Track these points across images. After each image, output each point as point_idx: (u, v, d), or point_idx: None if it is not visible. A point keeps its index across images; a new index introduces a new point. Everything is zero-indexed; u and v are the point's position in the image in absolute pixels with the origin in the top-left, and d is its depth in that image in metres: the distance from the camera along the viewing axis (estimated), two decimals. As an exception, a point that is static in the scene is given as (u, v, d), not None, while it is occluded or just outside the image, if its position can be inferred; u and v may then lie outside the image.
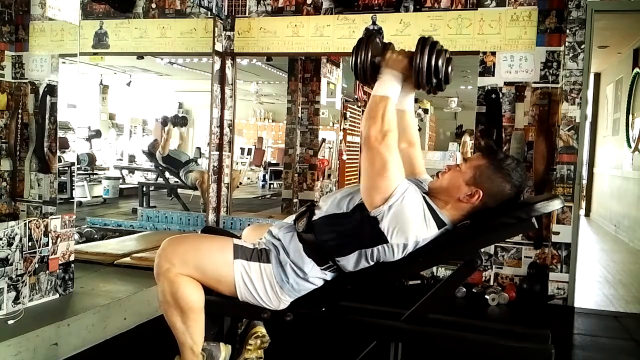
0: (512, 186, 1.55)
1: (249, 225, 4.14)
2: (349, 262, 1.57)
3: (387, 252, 1.51)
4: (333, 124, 6.81)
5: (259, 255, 1.62)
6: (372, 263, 1.55)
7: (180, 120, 6.32)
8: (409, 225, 1.48)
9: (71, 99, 2.89)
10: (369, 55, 1.61)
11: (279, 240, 1.65)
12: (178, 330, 1.59)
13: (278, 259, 1.61)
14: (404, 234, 1.48)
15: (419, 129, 10.03)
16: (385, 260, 1.54)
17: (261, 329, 1.83)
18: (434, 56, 1.54)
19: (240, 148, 9.54)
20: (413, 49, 1.59)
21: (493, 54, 3.55)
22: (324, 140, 6.31)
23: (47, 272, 2.45)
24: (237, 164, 8.16)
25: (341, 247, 1.56)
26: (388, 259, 1.53)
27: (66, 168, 3.77)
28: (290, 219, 1.72)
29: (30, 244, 2.35)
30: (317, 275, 1.59)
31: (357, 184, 1.69)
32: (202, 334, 1.61)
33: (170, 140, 6.01)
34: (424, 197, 1.55)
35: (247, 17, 4.07)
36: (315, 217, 1.62)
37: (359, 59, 1.62)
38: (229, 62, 4.20)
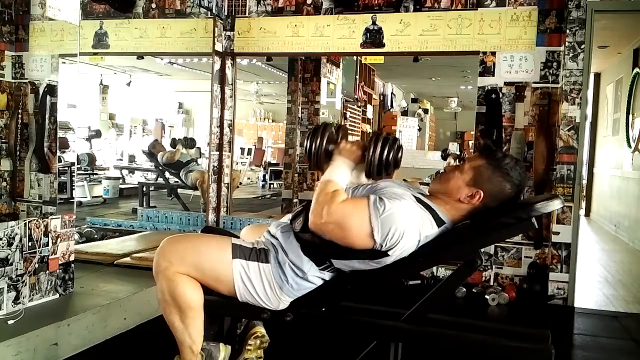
0: (512, 185, 1.55)
1: (248, 225, 4.18)
2: (346, 266, 1.57)
3: (388, 261, 1.52)
4: (333, 124, 6.80)
5: (258, 255, 1.62)
6: (369, 268, 1.55)
7: (190, 143, 6.41)
8: (407, 239, 1.47)
9: (71, 99, 2.90)
10: (324, 143, 1.70)
11: (277, 239, 1.65)
12: (177, 329, 1.59)
13: (277, 258, 1.61)
14: (404, 248, 1.48)
15: (419, 129, 10.10)
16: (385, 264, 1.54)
17: (261, 329, 1.83)
18: (386, 151, 1.62)
19: (240, 148, 9.54)
20: (356, 141, 1.71)
21: (493, 54, 3.55)
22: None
23: (47, 272, 2.45)
24: (237, 164, 8.17)
25: (339, 253, 1.55)
26: (388, 262, 1.53)
27: (66, 168, 3.78)
28: (287, 217, 1.72)
29: (30, 244, 2.35)
30: (316, 275, 1.59)
31: (357, 185, 1.70)
32: (201, 333, 1.61)
33: (177, 155, 6.05)
34: (419, 198, 1.55)
35: (247, 17, 4.07)
36: None
37: (313, 146, 1.70)
38: (229, 62, 4.20)
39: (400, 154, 1.65)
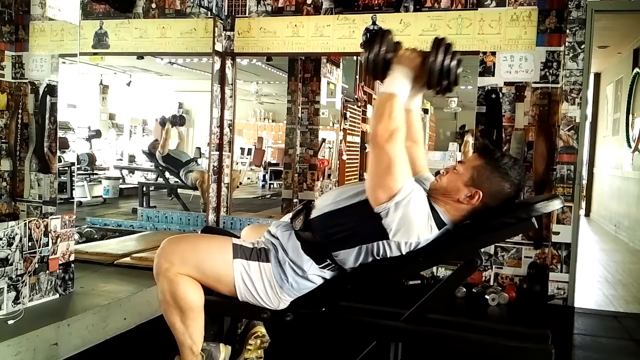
0: (511, 184, 1.55)
1: (249, 225, 4.18)
2: (348, 257, 1.56)
3: (387, 249, 1.51)
4: (333, 124, 6.81)
5: (258, 254, 1.63)
6: (370, 259, 1.55)
7: (179, 120, 6.32)
8: (414, 226, 1.48)
9: (71, 99, 2.89)
10: (383, 49, 1.59)
11: (277, 239, 1.65)
12: (177, 330, 1.59)
13: (277, 258, 1.61)
14: (407, 234, 1.48)
15: (419, 129, 10.10)
16: (385, 256, 1.53)
17: (261, 329, 1.83)
18: (450, 57, 1.53)
19: (240, 148, 9.53)
20: (414, 49, 1.62)
21: (493, 54, 3.55)
22: (324, 140, 6.30)
23: (47, 272, 2.45)
24: (237, 164, 8.16)
25: (342, 241, 1.55)
26: (388, 254, 1.53)
27: (66, 168, 3.77)
28: (288, 217, 1.72)
29: (30, 244, 2.35)
30: (316, 273, 1.59)
31: (358, 181, 1.70)
32: (202, 333, 1.61)
33: (170, 140, 6.01)
34: (427, 197, 1.55)
35: (247, 17, 4.07)
36: (312, 215, 1.62)
37: (372, 53, 1.58)
38: (229, 62, 4.20)
39: (460, 66, 1.57)
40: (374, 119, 1.49)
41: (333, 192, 1.71)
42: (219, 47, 4.11)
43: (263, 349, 1.86)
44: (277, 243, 1.64)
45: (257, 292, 1.60)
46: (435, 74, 1.52)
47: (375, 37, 1.62)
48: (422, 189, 1.54)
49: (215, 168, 4.22)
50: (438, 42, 1.55)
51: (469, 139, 8.23)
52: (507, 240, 3.43)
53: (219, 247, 1.64)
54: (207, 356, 1.64)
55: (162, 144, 5.89)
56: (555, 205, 1.54)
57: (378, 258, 1.54)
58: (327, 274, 1.61)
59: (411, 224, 1.47)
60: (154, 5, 4.28)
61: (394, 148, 1.45)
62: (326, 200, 1.65)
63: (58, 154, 2.73)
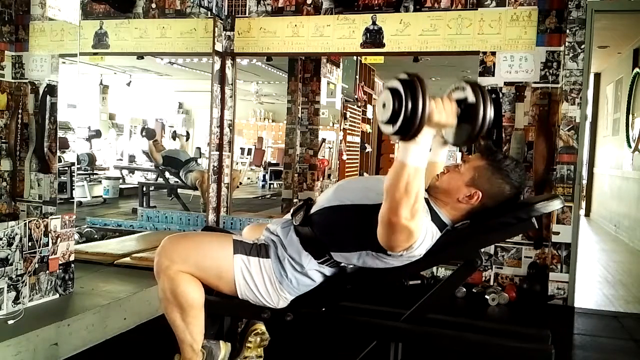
0: (512, 187, 1.55)
1: (249, 224, 4.18)
2: (347, 258, 1.57)
3: (388, 260, 1.51)
4: (333, 124, 6.81)
5: (258, 250, 1.63)
6: (369, 263, 1.55)
7: (149, 133, 6.41)
8: (421, 245, 1.47)
9: (71, 99, 2.89)
10: (426, 104, 1.22)
11: (277, 235, 1.65)
12: (178, 327, 1.60)
13: (277, 254, 1.62)
14: (412, 253, 1.47)
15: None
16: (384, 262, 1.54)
17: (261, 326, 1.83)
18: (491, 106, 1.33)
19: (240, 148, 9.53)
20: (449, 96, 1.38)
21: (493, 54, 3.55)
22: (324, 140, 6.31)
23: (47, 272, 2.45)
24: (237, 164, 8.16)
25: (342, 244, 1.55)
26: (388, 265, 1.53)
27: (66, 168, 3.77)
28: (288, 216, 1.72)
29: (30, 244, 2.35)
30: (315, 269, 1.59)
31: (360, 177, 1.69)
32: (202, 331, 1.62)
33: (157, 154, 6.10)
34: (426, 199, 1.55)
35: (247, 17, 4.07)
36: (312, 210, 1.62)
37: (417, 109, 1.21)
38: (229, 62, 4.20)
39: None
40: (395, 195, 1.31)
41: (333, 185, 1.70)
42: (219, 47, 4.11)
43: (263, 347, 1.86)
44: (277, 239, 1.64)
45: (257, 288, 1.60)
46: (484, 128, 1.33)
47: (413, 82, 1.23)
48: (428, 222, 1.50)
49: (215, 168, 4.22)
50: (481, 89, 1.35)
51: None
52: (507, 240, 3.43)
53: (219, 244, 1.64)
54: (208, 353, 1.65)
55: (154, 157, 5.98)
56: (555, 205, 1.54)
57: (376, 262, 1.54)
58: (327, 270, 1.61)
59: (417, 247, 1.46)
60: (154, 5, 4.28)
61: (416, 222, 1.36)
62: (326, 194, 1.65)
63: (58, 154, 2.73)
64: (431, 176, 1.58)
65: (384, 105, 1.26)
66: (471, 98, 1.34)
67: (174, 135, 7.24)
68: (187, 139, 6.50)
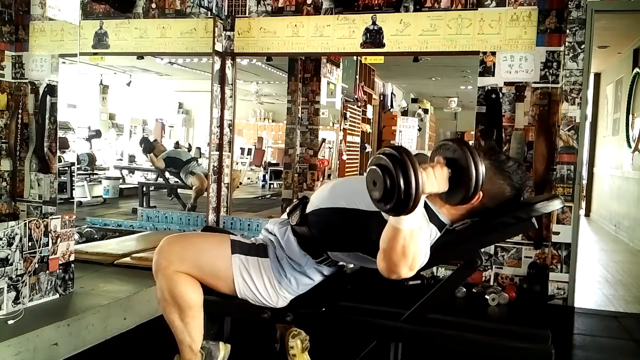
0: (512, 188, 1.54)
1: (248, 225, 4.19)
2: (344, 258, 1.58)
3: None
4: (333, 124, 6.81)
5: (257, 250, 1.63)
6: (364, 264, 1.55)
7: (147, 146, 6.42)
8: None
9: (71, 99, 2.89)
10: (419, 179, 1.19)
11: (274, 235, 1.66)
12: (177, 328, 1.59)
13: (275, 253, 1.62)
14: None
15: (419, 129, 10.11)
16: None
17: (294, 328, 1.82)
18: (482, 165, 1.31)
19: (240, 148, 9.54)
20: (439, 164, 1.35)
21: (493, 54, 3.55)
22: (324, 140, 6.31)
23: (47, 272, 2.45)
24: (237, 164, 8.17)
25: (339, 244, 1.56)
26: None
27: (66, 168, 3.77)
28: (285, 215, 1.72)
29: (30, 244, 2.35)
30: (313, 267, 1.60)
31: (356, 176, 1.68)
32: (201, 331, 1.62)
33: (157, 162, 6.10)
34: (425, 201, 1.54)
35: (247, 17, 4.07)
36: (308, 210, 1.61)
37: (410, 185, 1.17)
38: (229, 62, 4.20)
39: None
40: (390, 256, 1.30)
41: (328, 184, 1.69)
42: (219, 47, 4.11)
43: (307, 349, 1.84)
44: (275, 239, 1.65)
45: (256, 287, 1.60)
46: (476, 188, 1.31)
47: (402, 157, 1.19)
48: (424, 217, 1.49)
49: (215, 168, 4.22)
50: (470, 152, 1.31)
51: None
52: (507, 240, 3.43)
53: (218, 244, 1.64)
54: (207, 354, 1.65)
55: (156, 165, 6.02)
56: (555, 205, 1.54)
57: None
58: (325, 269, 1.62)
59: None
60: (154, 5, 4.28)
61: (416, 268, 1.35)
62: (322, 193, 1.64)
63: (58, 154, 2.73)
64: None
65: (374, 183, 1.23)
66: (462, 160, 1.31)
67: (177, 146, 7.28)
68: (189, 150, 6.52)
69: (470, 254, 1.56)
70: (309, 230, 1.58)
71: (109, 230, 4.48)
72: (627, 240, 5.96)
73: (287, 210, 1.69)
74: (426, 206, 1.52)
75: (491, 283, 3.53)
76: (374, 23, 3.77)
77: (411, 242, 1.28)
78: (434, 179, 1.30)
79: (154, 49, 4.51)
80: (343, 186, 1.67)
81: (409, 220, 1.26)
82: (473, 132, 3.68)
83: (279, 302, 1.62)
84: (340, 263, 1.63)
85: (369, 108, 8.13)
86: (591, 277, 4.18)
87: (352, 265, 1.67)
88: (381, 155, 1.22)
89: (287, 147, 5.59)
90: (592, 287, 3.89)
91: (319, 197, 1.63)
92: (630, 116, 6.05)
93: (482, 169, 1.31)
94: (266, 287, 1.60)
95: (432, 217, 1.51)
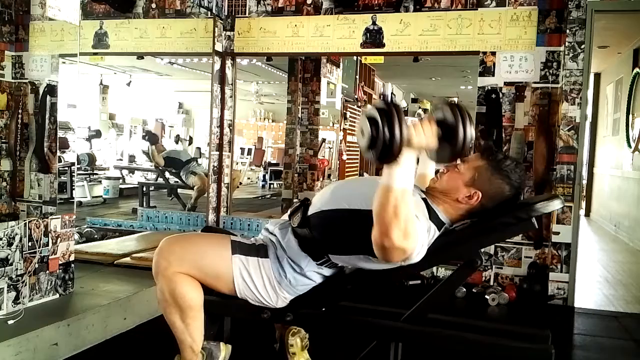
0: (511, 187, 1.55)
1: (248, 225, 4.19)
2: (345, 261, 1.57)
3: (385, 265, 1.51)
4: (333, 124, 6.82)
5: (257, 250, 1.63)
6: (366, 266, 1.55)
7: (152, 137, 6.42)
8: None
9: (71, 99, 2.89)
10: (403, 130, 1.24)
11: (275, 236, 1.65)
12: (177, 328, 1.59)
13: (275, 254, 1.62)
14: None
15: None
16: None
17: (294, 327, 1.82)
18: (470, 125, 1.36)
19: (240, 148, 9.54)
20: (429, 119, 1.37)
21: (493, 54, 3.55)
22: (324, 140, 6.32)
23: (47, 272, 2.45)
24: (237, 164, 8.17)
25: (340, 247, 1.56)
26: (386, 266, 1.53)
27: (66, 168, 3.77)
28: (286, 216, 1.72)
29: (30, 244, 2.35)
30: (314, 270, 1.60)
31: (357, 177, 1.68)
32: (202, 332, 1.62)
33: (158, 158, 6.09)
34: (424, 198, 1.55)
35: (247, 17, 4.07)
36: (310, 212, 1.61)
37: (394, 135, 1.24)
38: (229, 62, 4.20)
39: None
40: (384, 219, 1.29)
41: (330, 186, 1.69)
42: (219, 47, 4.11)
43: (306, 348, 1.85)
44: (275, 240, 1.64)
45: (256, 288, 1.60)
46: (466, 147, 1.36)
47: (389, 109, 1.26)
48: (420, 199, 1.52)
49: (215, 168, 4.22)
50: (460, 110, 1.36)
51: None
52: (507, 240, 3.43)
53: (218, 244, 1.64)
54: (208, 355, 1.64)
55: (156, 160, 5.97)
56: (555, 205, 1.54)
57: (376, 263, 1.54)
58: (326, 271, 1.61)
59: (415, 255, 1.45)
60: (154, 5, 4.28)
61: (410, 241, 1.33)
62: (323, 196, 1.64)
63: (58, 154, 2.73)
64: (421, 184, 1.57)
65: (362, 133, 1.30)
66: (450, 119, 1.36)
67: (177, 140, 7.30)
68: (190, 143, 6.52)
69: (470, 254, 1.56)
70: (311, 232, 1.58)
71: (109, 230, 4.48)
72: (627, 240, 5.96)
73: (289, 211, 1.69)
74: (426, 204, 1.53)
75: (491, 283, 3.53)
76: (374, 23, 3.77)
77: (402, 203, 1.28)
78: (422, 132, 1.31)
79: (154, 49, 4.51)
80: (345, 188, 1.67)
81: (400, 178, 1.28)
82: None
83: (279, 302, 1.62)
84: (341, 264, 1.63)
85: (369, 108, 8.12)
86: (591, 277, 4.18)
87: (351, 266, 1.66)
88: (371, 107, 1.30)
89: (287, 147, 5.59)
90: (592, 287, 3.89)
91: (321, 200, 1.63)
92: (630, 116, 6.05)
93: (470, 129, 1.35)
94: (266, 287, 1.60)
95: (432, 215, 1.52)
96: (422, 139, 1.31)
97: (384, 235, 1.30)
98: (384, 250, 1.32)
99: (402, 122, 1.25)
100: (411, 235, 1.32)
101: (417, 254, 1.38)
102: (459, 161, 1.58)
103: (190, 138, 7.95)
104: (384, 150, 1.25)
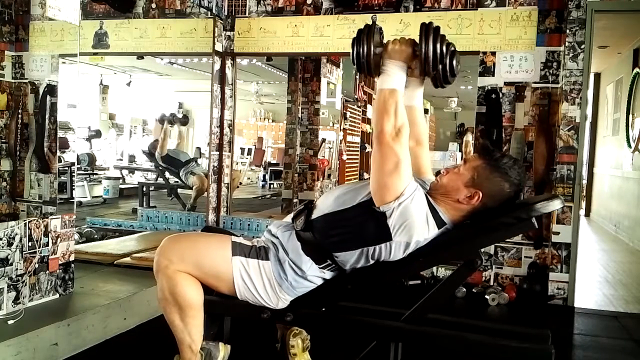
0: (511, 185, 1.55)
1: (248, 225, 4.19)
2: (349, 259, 1.57)
3: (389, 251, 1.51)
4: (333, 124, 6.81)
5: (258, 252, 1.63)
6: (372, 262, 1.56)
7: (179, 119, 6.29)
8: (415, 224, 1.49)
9: (71, 99, 2.89)
10: (371, 46, 1.57)
11: (277, 238, 1.65)
12: (177, 327, 1.60)
13: (277, 256, 1.61)
14: (408, 233, 1.48)
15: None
16: (385, 260, 1.54)
17: (296, 327, 1.82)
18: (438, 41, 1.50)
19: (240, 148, 9.54)
20: (402, 39, 1.59)
21: (493, 54, 3.55)
22: (324, 140, 6.30)
23: (47, 272, 2.45)
24: (237, 164, 8.16)
25: (343, 243, 1.56)
26: (388, 258, 1.53)
27: (66, 168, 3.77)
28: (289, 217, 1.72)
29: (30, 244, 2.35)
30: (315, 274, 1.60)
31: (357, 181, 1.70)
32: (201, 331, 1.62)
33: (168, 140, 5.99)
34: (426, 196, 1.55)
35: (247, 17, 4.07)
36: (313, 216, 1.62)
37: (360, 51, 1.58)
38: (229, 62, 4.20)
39: (456, 60, 1.53)
40: (377, 116, 1.48)
41: (334, 192, 1.70)
42: (219, 47, 4.11)
43: (307, 349, 1.85)
44: (278, 242, 1.64)
45: (257, 289, 1.60)
46: (429, 60, 1.50)
47: (361, 33, 1.60)
48: (421, 189, 1.54)
49: (215, 168, 4.22)
50: (426, 28, 1.52)
51: (469, 138, 8.25)
52: (507, 240, 3.43)
53: (218, 245, 1.64)
54: (206, 354, 1.65)
55: (161, 144, 5.86)
56: (555, 205, 1.54)
57: (380, 262, 1.55)
58: (327, 274, 1.62)
59: (412, 223, 1.48)
60: (154, 5, 4.28)
61: (401, 147, 1.46)
62: (327, 200, 1.65)
63: (58, 154, 2.73)
64: (412, 121, 1.62)
65: (353, 59, 1.61)
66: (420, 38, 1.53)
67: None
68: (184, 123, 6.31)
69: (470, 254, 1.56)
70: (314, 235, 1.58)
71: (109, 230, 4.49)
72: (627, 240, 5.96)
73: (292, 214, 1.69)
74: (429, 203, 1.53)
75: (491, 283, 3.53)
76: (374, 23, 3.75)
77: (391, 98, 1.48)
78: (398, 47, 1.54)
79: (154, 49, 4.51)
80: (347, 191, 1.68)
81: (387, 82, 1.51)
82: (472, 133, 3.68)
83: (279, 303, 1.62)
84: (342, 265, 1.62)
85: (369, 108, 8.13)
86: (591, 277, 4.18)
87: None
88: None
89: (287, 147, 5.59)
90: (592, 287, 3.89)
91: (324, 204, 1.63)
92: (630, 116, 6.05)
93: (437, 44, 1.50)
94: (266, 289, 1.60)
95: (434, 213, 1.53)
96: (397, 53, 1.53)
97: (379, 132, 1.47)
98: (378, 152, 1.46)
99: (373, 34, 1.57)
100: (402, 136, 1.45)
101: (410, 194, 1.47)
102: (459, 162, 1.59)
103: (186, 117, 7.70)
104: (367, 63, 1.57)
